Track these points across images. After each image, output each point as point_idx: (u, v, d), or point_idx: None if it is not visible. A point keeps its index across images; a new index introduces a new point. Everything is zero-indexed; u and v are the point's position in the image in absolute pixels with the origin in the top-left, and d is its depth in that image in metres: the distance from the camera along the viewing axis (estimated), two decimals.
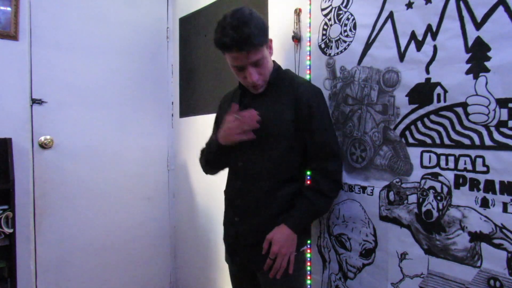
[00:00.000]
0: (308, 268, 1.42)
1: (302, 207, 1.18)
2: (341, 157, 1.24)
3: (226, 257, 1.35)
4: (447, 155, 1.02)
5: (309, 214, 1.20)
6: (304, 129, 1.17)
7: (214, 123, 1.44)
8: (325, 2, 1.36)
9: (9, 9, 1.78)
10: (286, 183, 1.20)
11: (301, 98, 1.17)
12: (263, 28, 1.12)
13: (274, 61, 1.27)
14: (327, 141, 1.19)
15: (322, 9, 1.37)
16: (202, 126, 2.13)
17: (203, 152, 1.37)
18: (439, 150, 1.03)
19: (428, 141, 1.06)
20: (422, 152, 1.07)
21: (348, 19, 1.28)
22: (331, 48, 1.34)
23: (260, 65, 1.14)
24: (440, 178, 1.03)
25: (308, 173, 1.29)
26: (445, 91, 1.01)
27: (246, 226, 1.22)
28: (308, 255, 1.42)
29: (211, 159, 1.31)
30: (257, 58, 1.12)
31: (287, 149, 1.19)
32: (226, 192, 1.34)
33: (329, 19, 1.34)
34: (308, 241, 1.32)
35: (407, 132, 1.11)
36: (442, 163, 1.02)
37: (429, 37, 1.04)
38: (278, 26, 1.59)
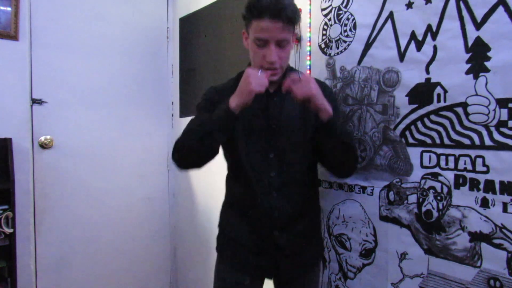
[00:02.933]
0: None
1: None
2: None
3: (231, 268, 1.22)
4: (447, 155, 1.02)
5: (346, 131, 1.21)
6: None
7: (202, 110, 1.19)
8: (325, 2, 1.36)
9: (9, 9, 1.78)
10: (313, 188, 1.25)
11: (328, 96, 1.12)
12: (298, 13, 1.07)
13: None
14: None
15: (322, 9, 1.37)
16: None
17: (185, 136, 1.11)
18: (439, 150, 1.03)
19: (428, 141, 1.06)
20: (422, 152, 1.07)
21: (348, 19, 1.28)
22: (331, 48, 1.34)
23: (283, 48, 1.06)
24: (440, 178, 1.03)
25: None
26: (445, 91, 1.01)
27: (290, 235, 1.15)
28: None
29: (205, 140, 1.05)
30: (284, 37, 1.04)
31: (313, 151, 1.16)
32: (246, 203, 1.18)
33: (329, 19, 1.34)
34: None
35: (407, 132, 1.11)
36: (442, 163, 1.02)
37: (429, 37, 1.04)
38: None
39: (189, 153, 1.09)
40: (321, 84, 1.17)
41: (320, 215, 1.31)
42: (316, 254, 1.28)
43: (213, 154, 1.12)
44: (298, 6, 1.45)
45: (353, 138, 1.23)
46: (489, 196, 0.93)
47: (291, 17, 1.02)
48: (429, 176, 1.05)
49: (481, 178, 0.94)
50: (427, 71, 1.05)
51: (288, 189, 1.13)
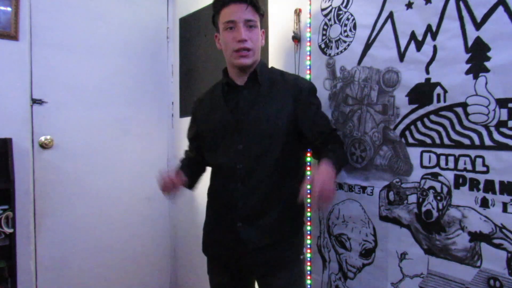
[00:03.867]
0: (308, 268, 1.42)
1: (336, 152, 1.16)
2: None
3: (211, 268, 1.28)
4: (447, 155, 1.02)
5: (341, 158, 1.20)
6: (304, 116, 1.17)
7: (189, 126, 1.40)
8: (325, 2, 1.36)
9: (9, 9, 1.78)
10: (289, 179, 1.18)
11: (302, 89, 1.19)
12: (260, 3, 1.18)
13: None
14: (328, 121, 1.25)
15: (322, 9, 1.37)
16: None
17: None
18: (439, 150, 1.03)
19: (428, 141, 1.06)
20: (422, 152, 1.07)
21: (348, 19, 1.28)
22: (331, 48, 1.34)
23: (252, 30, 1.15)
24: (440, 178, 1.03)
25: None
26: (445, 91, 1.01)
27: (254, 229, 1.15)
28: (308, 255, 1.42)
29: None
30: (251, 17, 1.14)
31: (287, 144, 1.16)
32: (217, 196, 1.25)
33: (329, 19, 1.34)
34: (309, 242, 1.32)
35: (407, 132, 1.11)
36: (442, 163, 1.03)
37: (429, 37, 1.04)
38: (278, 26, 1.59)
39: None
40: (296, 80, 1.24)
41: (300, 213, 1.25)
42: (289, 254, 1.19)
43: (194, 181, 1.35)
44: (298, 6, 1.47)
45: (347, 159, 1.26)
46: (489, 196, 0.93)
47: (256, 2, 1.14)
48: (429, 176, 1.05)
49: (481, 178, 0.94)
50: (427, 71, 1.05)
51: (254, 181, 1.14)
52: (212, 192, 1.29)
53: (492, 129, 0.92)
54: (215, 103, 1.25)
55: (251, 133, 1.15)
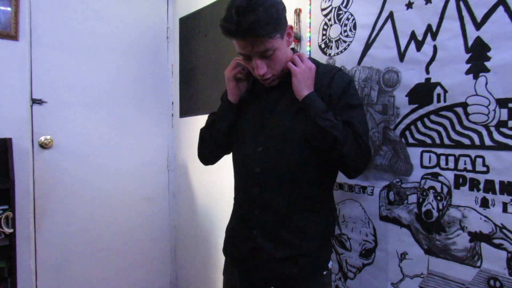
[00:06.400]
0: None
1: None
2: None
3: (227, 271, 1.19)
4: (447, 155, 1.02)
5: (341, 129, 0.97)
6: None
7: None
8: (325, 2, 1.36)
9: (9, 9, 1.78)
10: (314, 187, 1.05)
11: (336, 87, 1.02)
12: (275, 17, 0.94)
13: (293, 49, 1.12)
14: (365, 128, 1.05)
15: (322, 9, 1.37)
16: (202, 126, 2.13)
17: (205, 131, 1.23)
18: (439, 150, 1.03)
19: (428, 141, 1.06)
20: (422, 152, 1.07)
21: (348, 19, 1.28)
22: (331, 48, 1.34)
23: (269, 56, 0.99)
24: (440, 178, 1.03)
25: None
26: (445, 91, 1.01)
27: (270, 239, 1.04)
28: None
29: (219, 129, 1.16)
30: (263, 49, 0.96)
31: (312, 149, 1.02)
32: (237, 198, 1.17)
33: (329, 19, 1.34)
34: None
35: (407, 132, 1.11)
36: (442, 163, 1.03)
37: (429, 37, 1.04)
38: None
39: (200, 143, 1.24)
40: (329, 69, 1.08)
41: (327, 225, 1.09)
42: (309, 269, 1.04)
43: (219, 145, 1.20)
44: (298, 6, 1.46)
45: (339, 130, 0.96)
46: (489, 196, 0.93)
47: (264, 33, 0.92)
48: (429, 176, 1.05)
49: (481, 178, 0.94)
50: (427, 71, 1.05)
51: (273, 187, 1.04)
52: (235, 191, 1.19)
53: (492, 129, 0.92)
54: (252, 95, 1.15)
55: (272, 135, 1.05)
